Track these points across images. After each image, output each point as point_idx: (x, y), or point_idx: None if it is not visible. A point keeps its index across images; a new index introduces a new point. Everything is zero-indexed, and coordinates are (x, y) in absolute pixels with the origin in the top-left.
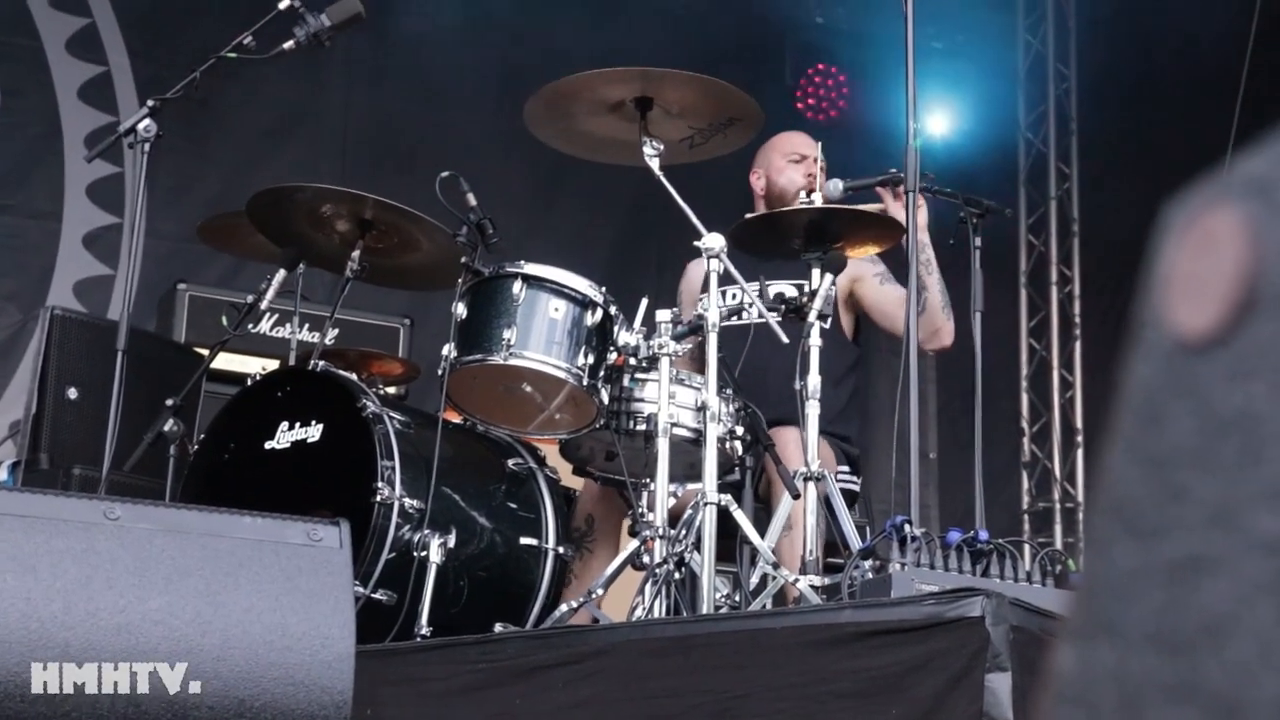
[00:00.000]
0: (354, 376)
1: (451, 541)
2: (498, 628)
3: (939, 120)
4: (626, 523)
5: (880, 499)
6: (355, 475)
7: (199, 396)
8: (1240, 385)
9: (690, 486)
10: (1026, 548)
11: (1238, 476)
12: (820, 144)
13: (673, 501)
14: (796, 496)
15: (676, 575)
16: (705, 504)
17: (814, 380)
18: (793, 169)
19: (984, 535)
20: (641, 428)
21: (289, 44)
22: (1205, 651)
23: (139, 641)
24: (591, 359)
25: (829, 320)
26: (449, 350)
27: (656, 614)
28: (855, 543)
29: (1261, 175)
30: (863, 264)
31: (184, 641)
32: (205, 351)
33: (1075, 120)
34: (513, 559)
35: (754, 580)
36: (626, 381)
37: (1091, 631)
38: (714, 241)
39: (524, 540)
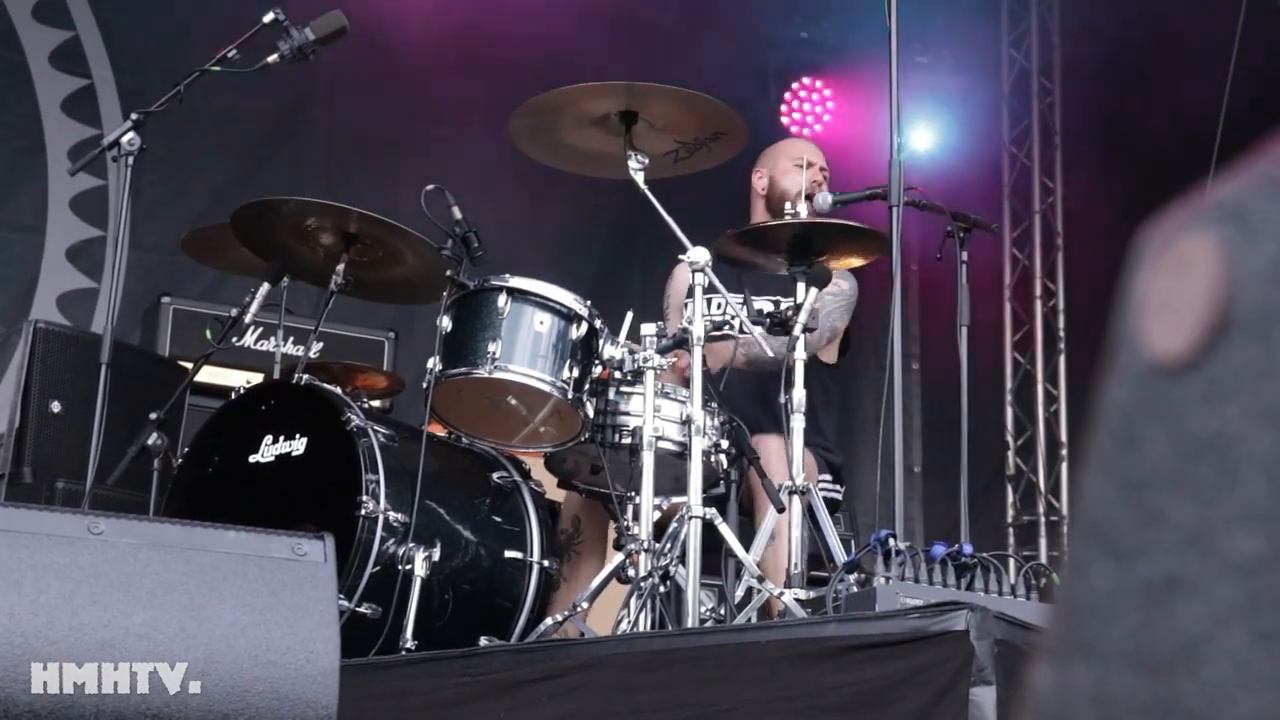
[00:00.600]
0: (338, 390)
1: (436, 555)
2: (482, 641)
3: (923, 135)
4: (612, 534)
5: (865, 513)
6: (340, 489)
7: (183, 410)
8: (1215, 408)
9: (675, 500)
10: (1011, 561)
11: (1213, 499)
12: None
13: (658, 515)
14: (781, 510)
15: (661, 589)
16: (690, 517)
17: (799, 394)
18: (797, 173)
19: (968, 549)
20: (626, 441)
21: (273, 57)
22: (1182, 672)
23: (123, 657)
24: (576, 372)
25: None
26: (434, 363)
27: (642, 627)
28: (840, 556)
29: (1235, 201)
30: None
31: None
32: (189, 365)
33: (1059, 134)
34: (497, 572)
35: (739, 593)
36: (611, 395)
37: (1069, 651)
38: (699, 255)
39: (509, 554)
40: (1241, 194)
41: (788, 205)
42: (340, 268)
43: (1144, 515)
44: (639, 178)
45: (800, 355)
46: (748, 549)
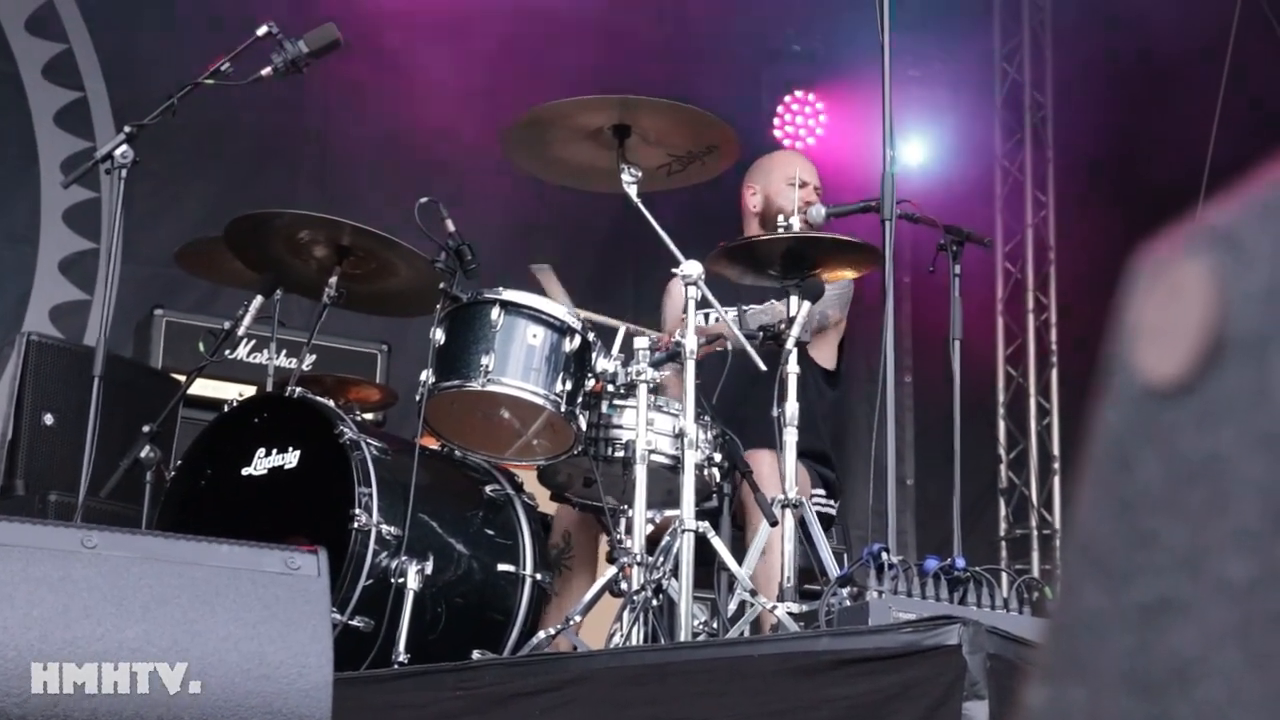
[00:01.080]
0: (331, 403)
1: (429, 568)
2: (475, 655)
3: (916, 148)
4: (604, 547)
5: (858, 526)
6: (332, 502)
7: (176, 422)
8: (1208, 432)
9: (668, 513)
10: (1004, 575)
11: (1206, 522)
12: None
13: (650, 528)
14: (774, 524)
15: (654, 602)
16: (683, 531)
17: (792, 407)
18: (792, 192)
19: (961, 563)
20: (619, 454)
21: (266, 70)
22: (1175, 693)
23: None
24: (569, 385)
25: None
26: (427, 376)
27: (634, 641)
28: (833, 570)
29: (1228, 226)
30: None
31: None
32: (182, 377)
33: (1051, 148)
34: (490, 586)
35: (732, 607)
36: (604, 408)
37: (1063, 671)
38: (692, 269)
39: (501, 567)
40: (1234, 220)
41: (780, 219)
42: (333, 280)
43: (1137, 537)
44: (632, 191)
45: (793, 369)
46: (740, 562)
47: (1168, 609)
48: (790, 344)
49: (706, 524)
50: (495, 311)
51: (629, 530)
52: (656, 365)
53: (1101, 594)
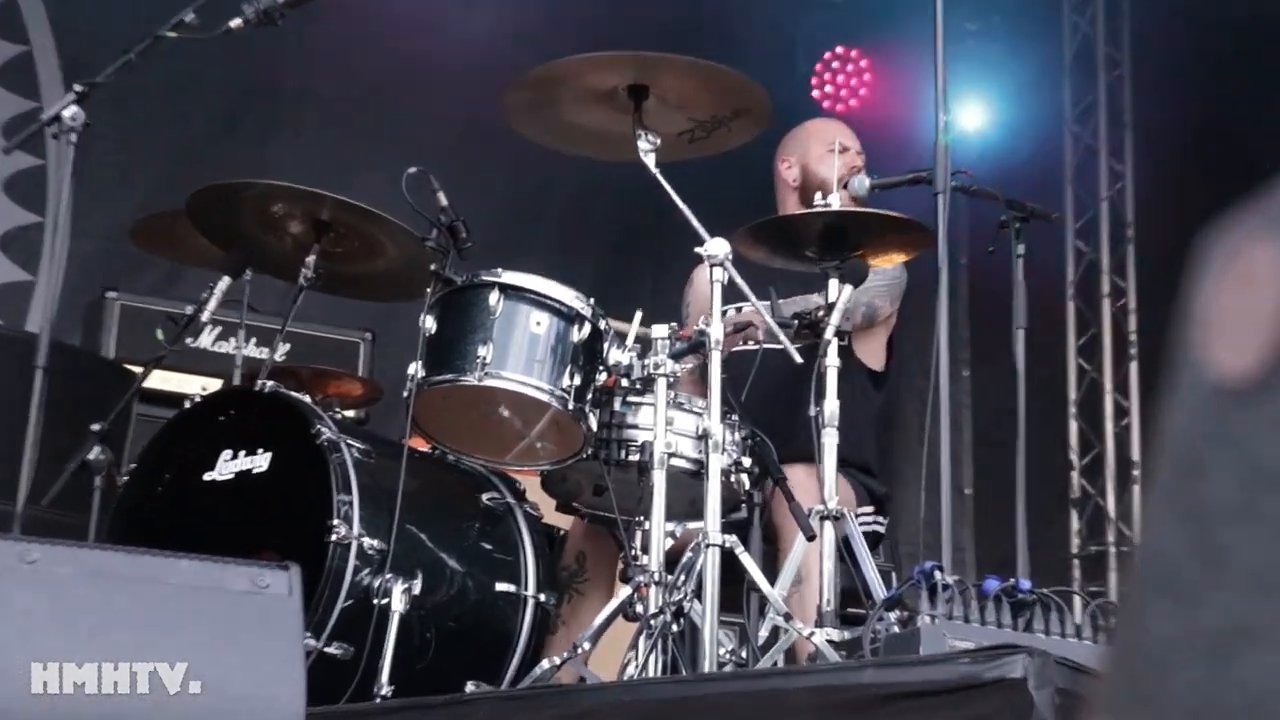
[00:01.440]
0: (307, 398)
1: (417, 587)
2: (469, 687)
3: (974, 112)
4: (621, 565)
5: (908, 541)
6: (307, 511)
7: (129, 420)
8: None
9: (690, 526)
10: (1076, 598)
11: None
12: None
13: (670, 542)
14: (811, 538)
15: (674, 627)
16: (707, 546)
17: (831, 405)
18: (834, 159)
19: (1026, 584)
20: (634, 458)
21: (236, 21)
22: None
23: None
24: (578, 380)
25: (848, 338)
26: (416, 369)
27: (652, 672)
28: (879, 591)
29: None
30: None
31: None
32: (138, 369)
33: (1128, 112)
34: (487, 607)
35: (763, 634)
36: (618, 405)
37: (1127, 705)
38: (718, 248)
39: (500, 586)
40: None
41: (818, 196)
42: (310, 260)
43: (1208, 554)
44: (650, 160)
45: (833, 363)
46: (773, 582)
47: (1241, 636)
48: (829, 333)
49: (734, 538)
50: (494, 296)
51: (645, 545)
52: (677, 357)
53: (1168, 618)
